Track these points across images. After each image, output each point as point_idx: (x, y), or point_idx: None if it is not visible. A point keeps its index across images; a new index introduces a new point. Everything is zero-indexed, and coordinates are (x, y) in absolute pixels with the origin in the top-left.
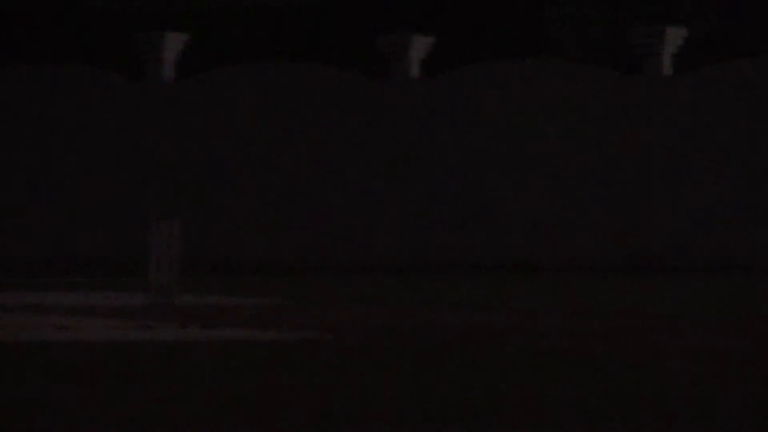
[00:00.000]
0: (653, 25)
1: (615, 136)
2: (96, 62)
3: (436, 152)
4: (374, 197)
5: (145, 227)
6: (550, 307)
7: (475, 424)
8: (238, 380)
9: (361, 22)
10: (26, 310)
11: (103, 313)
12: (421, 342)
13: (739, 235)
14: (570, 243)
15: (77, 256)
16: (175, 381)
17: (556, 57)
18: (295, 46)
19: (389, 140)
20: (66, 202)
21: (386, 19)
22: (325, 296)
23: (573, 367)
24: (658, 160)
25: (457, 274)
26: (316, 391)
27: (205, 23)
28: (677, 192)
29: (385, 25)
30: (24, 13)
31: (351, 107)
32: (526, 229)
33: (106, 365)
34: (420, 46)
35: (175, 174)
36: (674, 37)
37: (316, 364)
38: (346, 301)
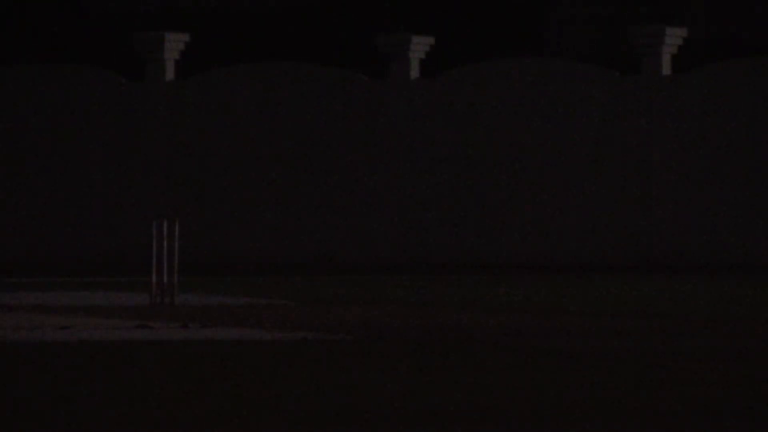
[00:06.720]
0: (653, 25)
1: (615, 136)
2: (96, 62)
3: (435, 152)
4: (374, 197)
5: (145, 227)
6: (549, 307)
7: (475, 424)
8: (238, 380)
9: (361, 22)
10: (26, 310)
11: (103, 313)
12: (422, 342)
13: (739, 235)
14: (570, 243)
15: (77, 256)
16: (175, 381)
17: (556, 57)
18: (295, 46)
19: (389, 140)
20: (66, 202)
21: (386, 19)
22: (325, 296)
23: (573, 367)
24: (658, 160)
25: (456, 274)
26: (316, 391)
27: (205, 23)
28: (677, 192)
29: (385, 25)
30: (24, 13)
31: (351, 107)
32: (526, 229)
33: (106, 365)
34: (420, 46)
35: (175, 174)
36: (674, 37)
37: (316, 364)
38: (346, 301)
